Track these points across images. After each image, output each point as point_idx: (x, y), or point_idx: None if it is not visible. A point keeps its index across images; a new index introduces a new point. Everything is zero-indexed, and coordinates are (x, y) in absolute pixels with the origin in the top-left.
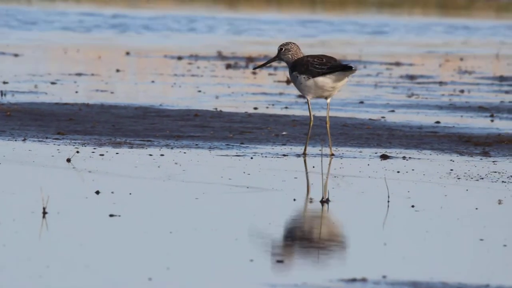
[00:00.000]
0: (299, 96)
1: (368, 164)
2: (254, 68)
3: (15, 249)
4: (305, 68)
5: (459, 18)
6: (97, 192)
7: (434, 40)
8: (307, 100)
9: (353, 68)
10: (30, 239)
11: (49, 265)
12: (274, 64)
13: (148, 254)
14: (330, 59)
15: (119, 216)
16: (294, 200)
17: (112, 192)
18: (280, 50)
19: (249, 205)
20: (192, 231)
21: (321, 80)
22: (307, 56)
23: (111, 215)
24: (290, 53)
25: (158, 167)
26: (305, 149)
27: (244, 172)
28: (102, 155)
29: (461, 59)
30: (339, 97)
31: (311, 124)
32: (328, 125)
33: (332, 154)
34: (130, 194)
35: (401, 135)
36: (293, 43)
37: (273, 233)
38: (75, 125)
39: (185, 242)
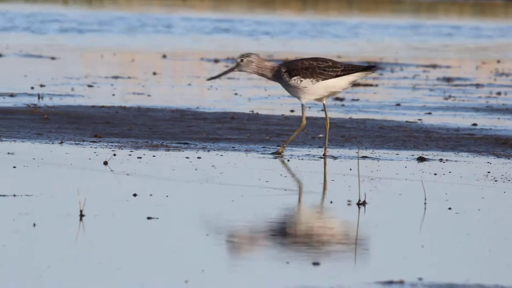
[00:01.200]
0: (336, 99)
1: (405, 167)
2: (208, 79)
3: (51, 252)
4: (310, 72)
5: (495, 21)
6: (135, 195)
7: (470, 42)
8: (302, 104)
9: (374, 68)
10: (67, 241)
11: (84, 267)
12: None
13: (185, 256)
14: (333, 61)
15: (157, 218)
16: (331, 202)
17: (151, 195)
18: (240, 61)
19: (286, 208)
20: (226, 234)
21: (333, 82)
22: (303, 60)
23: (148, 218)
24: (253, 64)
25: (195, 169)
26: (283, 148)
27: (281, 175)
28: (140, 158)
29: (498, 62)
30: (376, 99)
31: (303, 126)
32: (327, 127)
33: (325, 155)
34: (167, 196)
35: (438, 137)
36: (254, 55)
37: (309, 235)
38: (112, 128)
39: (221, 245)
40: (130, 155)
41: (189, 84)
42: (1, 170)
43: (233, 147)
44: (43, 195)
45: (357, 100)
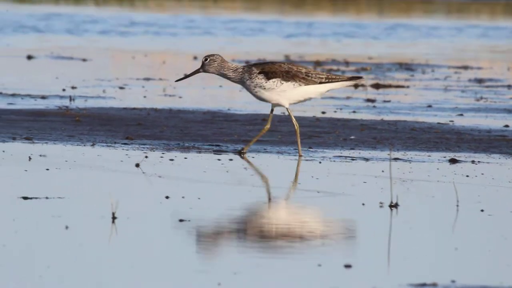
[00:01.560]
0: (367, 100)
1: (437, 168)
2: (177, 81)
3: (84, 254)
4: (292, 75)
5: None
6: (167, 197)
7: (501, 43)
8: (287, 108)
9: (357, 78)
10: (99, 244)
11: (117, 270)
12: (342, 68)
13: (217, 258)
14: (306, 67)
15: (189, 220)
16: (363, 204)
17: (183, 197)
18: (204, 61)
19: (318, 210)
20: (259, 236)
21: (314, 88)
22: (277, 63)
23: (180, 220)
24: (215, 63)
25: (227, 172)
26: (299, 151)
27: (312, 177)
28: (172, 160)
29: None
30: (407, 101)
31: (298, 129)
32: (298, 131)
33: (300, 155)
34: (199, 198)
35: (469, 139)
36: (218, 55)
37: (342, 238)
38: (143, 130)
39: (253, 247)
40: (161, 157)
41: (220, 86)
42: (34, 172)
43: (265, 149)
44: (75, 198)
45: (389, 101)
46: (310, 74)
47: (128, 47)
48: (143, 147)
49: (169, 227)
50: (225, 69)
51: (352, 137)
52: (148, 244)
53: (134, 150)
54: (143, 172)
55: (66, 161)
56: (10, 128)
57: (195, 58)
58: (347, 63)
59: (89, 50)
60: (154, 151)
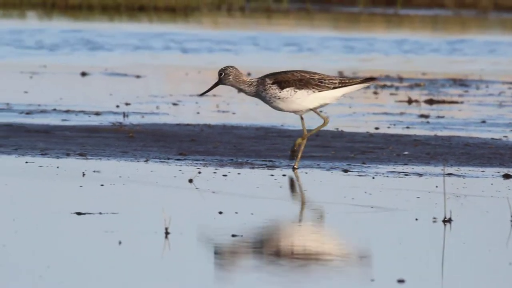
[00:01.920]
0: (421, 116)
1: (491, 184)
2: (201, 94)
3: (137, 270)
4: (305, 83)
5: None
6: (220, 213)
7: None
8: (301, 116)
9: (370, 80)
10: (152, 259)
11: (169, 285)
12: (396, 84)
13: (269, 273)
14: (319, 73)
15: (241, 236)
16: (416, 219)
17: (236, 213)
18: (220, 75)
19: (372, 225)
20: (313, 252)
21: (329, 93)
22: (290, 72)
23: (233, 235)
24: (230, 77)
25: (280, 187)
26: (296, 163)
27: (365, 192)
28: (225, 175)
29: None
30: (461, 116)
31: (306, 139)
32: (305, 140)
33: (295, 168)
34: (252, 214)
35: None
36: (232, 67)
37: (395, 253)
38: (197, 146)
39: (304, 263)
40: (215, 172)
41: None
42: (88, 188)
43: (318, 165)
44: (128, 213)
45: (442, 117)
46: (323, 81)
47: (182, 64)
48: (197, 163)
49: (221, 242)
50: (241, 83)
51: (406, 152)
52: (200, 259)
53: (188, 166)
54: (196, 188)
55: (120, 177)
56: (64, 144)
57: (249, 74)
58: (400, 79)
59: (143, 66)
60: (207, 167)
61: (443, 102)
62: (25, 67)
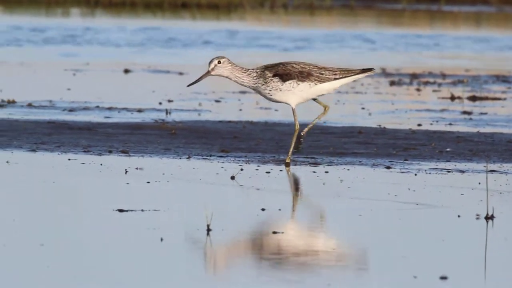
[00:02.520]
0: (464, 113)
1: None
2: (188, 85)
3: (178, 266)
4: (306, 75)
5: None
6: (263, 209)
7: None
8: (293, 108)
9: (369, 70)
10: (193, 256)
11: (211, 281)
12: (439, 80)
13: (308, 271)
14: (317, 65)
15: (282, 233)
16: (459, 216)
17: (280, 209)
18: (218, 62)
19: (415, 222)
20: (356, 248)
21: (329, 85)
22: (290, 64)
23: (274, 232)
24: (228, 66)
25: (323, 184)
26: (289, 156)
27: (409, 189)
28: (268, 172)
29: None
30: (504, 113)
31: (297, 131)
32: (296, 132)
33: (288, 162)
34: (294, 211)
35: None
36: (226, 57)
37: (436, 249)
38: (239, 143)
39: (347, 259)
40: (257, 169)
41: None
42: (130, 185)
43: (360, 162)
44: (170, 210)
45: (485, 114)
46: (323, 72)
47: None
48: (239, 160)
49: (262, 239)
50: (237, 73)
51: (448, 149)
52: (241, 255)
53: (230, 163)
54: (239, 185)
55: (163, 174)
56: (107, 141)
57: None
58: (443, 76)
59: (186, 63)
60: (249, 163)
61: (486, 98)
62: (68, 64)
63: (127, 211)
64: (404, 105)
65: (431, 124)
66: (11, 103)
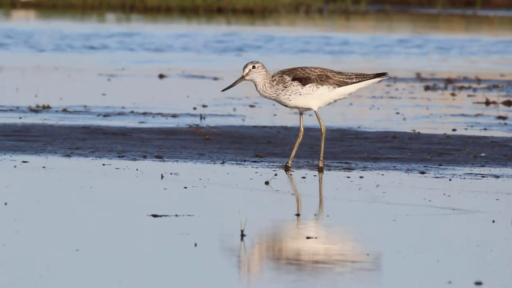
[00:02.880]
0: (499, 117)
1: None
2: (223, 90)
3: (212, 271)
4: (325, 79)
5: None
6: (298, 215)
7: None
8: (316, 111)
9: (384, 74)
10: (227, 261)
11: (245, 287)
12: (474, 85)
13: (339, 275)
14: (330, 70)
15: (316, 238)
16: (493, 221)
17: (315, 215)
18: (253, 68)
19: (451, 227)
20: (391, 253)
21: (346, 89)
22: (307, 68)
23: (307, 237)
24: (262, 72)
25: (359, 189)
26: (290, 160)
27: (444, 194)
28: (303, 177)
29: None
30: None
31: (324, 133)
32: (323, 135)
33: (323, 166)
34: (328, 216)
35: None
36: (260, 62)
37: (471, 254)
38: (273, 148)
39: (383, 264)
40: (291, 175)
41: (351, 104)
42: (164, 190)
43: (394, 167)
44: (204, 215)
45: None
46: (340, 76)
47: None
48: (273, 165)
49: (296, 244)
50: (267, 81)
51: (483, 154)
52: (275, 261)
53: (264, 168)
54: (273, 190)
55: (198, 179)
56: (141, 147)
57: None
58: (478, 81)
59: (221, 69)
60: (283, 169)
61: None
62: (103, 69)
63: (161, 216)
64: (438, 110)
65: (466, 129)
66: (46, 108)
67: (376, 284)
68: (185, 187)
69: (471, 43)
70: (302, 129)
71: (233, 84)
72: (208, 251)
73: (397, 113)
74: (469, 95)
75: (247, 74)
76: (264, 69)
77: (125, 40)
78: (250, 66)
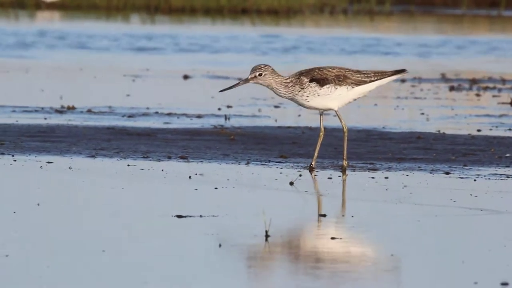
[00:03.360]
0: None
1: None
2: (221, 91)
3: (236, 272)
4: (343, 79)
5: None
6: (324, 215)
7: None
8: (336, 111)
9: (403, 71)
10: (251, 263)
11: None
12: (499, 86)
13: (359, 277)
14: (349, 69)
15: (340, 238)
16: None
17: (341, 215)
18: (259, 75)
19: (478, 227)
20: (420, 253)
21: (365, 87)
22: (325, 69)
23: (332, 238)
24: (268, 75)
25: (386, 189)
26: (314, 160)
27: (471, 195)
28: (329, 178)
29: None
30: None
31: (346, 132)
32: (346, 134)
33: (347, 167)
34: (353, 217)
35: None
36: (268, 65)
37: (497, 255)
38: (297, 148)
39: (409, 265)
40: (316, 175)
41: (375, 104)
42: (188, 191)
43: (419, 167)
44: (229, 216)
45: None
46: (359, 75)
47: (282, 66)
48: (297, 166)
49: (320, 245)
50: (278, 83)
51: (508, 155)
52: (299, 262)
53: (288, 168)
54: (297, 190)
55: (223, 179)
56: (166, 147)
57: None
58: (503, 81)
59: (245, 69)
60: (308, 169)
61: None
62: (128, 70)
63: (185, 216)
64: (463, 110)
65: (491, 129)
66: (71, 109)
67: (400, 285)
68: (210, 188)
69: (496, 43)
70: (322, 129)
71: (233, 86)
72: (232, 252)
73: (422, 113)
74: (494, 96)
75: (251, 78)
76: (272, 74)
77: (148, 41)
78: (257, 73)
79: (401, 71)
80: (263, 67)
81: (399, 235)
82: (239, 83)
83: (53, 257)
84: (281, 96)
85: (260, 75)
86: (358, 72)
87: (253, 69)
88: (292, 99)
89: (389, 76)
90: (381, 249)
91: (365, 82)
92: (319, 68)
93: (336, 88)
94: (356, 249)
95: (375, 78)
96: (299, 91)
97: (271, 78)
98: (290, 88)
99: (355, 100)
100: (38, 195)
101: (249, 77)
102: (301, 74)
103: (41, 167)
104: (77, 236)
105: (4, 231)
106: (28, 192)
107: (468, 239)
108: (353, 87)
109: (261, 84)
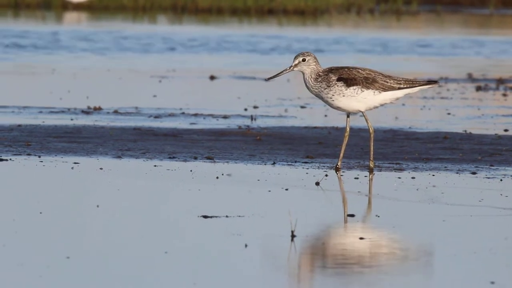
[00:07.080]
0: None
1: None
2: (267, 79)
3: (262, 272)
4: (371, 82)
5: None
6: (353, 215)
7: None
8: (363, 112)
9: (434, 82)
10: (277, 263)
11: None
12: None
13: (393, 278)
14: (380, 73)
15: (369, 239)
16: None
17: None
18: (303, 60)
19: (507, 228)
20: (448, 254)
21: (392, 94)
22: (354, 69)
23: (361, 238)
24: (315, 62)
25: (417, 190)
26: (339, 161)
27: (501, 194)
28: (356, 178)
29: None
30: None
31: (373, 133)
32: (372, 135)
33: (374, 167)
34: (378, 216)
35: None
36: (312, 54)
37: None
38: (324, 149)
39: (438, 264)
40: (342, 175)
41: (403, 104)
42: (214, 191)
43: (445, 167)
44: (255, 216)
45: None
46: (388, 80)
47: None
48: (323, 166)
49: (347, 245)
50: (315, 73)
51: None
52: (325, 262)
53: (314, 168)
54: (324, 191)
55: (248, 180)
56: (192, 148)
57: None
58: None
59: (272, 69)
60: (334, 170)
61: None
62: (155, 71)
63: (211, 217)
64: (490, 110)
65: None
66: (97, 110)
67: (423, 284)
68: (236, 188)
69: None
70: (348, 129)
71: (279, 73)
72: (258, 252)
73: (448, 113)
74: None
75: (295, 65)
76: (315, 62)
77: (175, 41)
78: (300, 59)
79: (433, 82)
80: (307, 53)
81: (430, 235)
82: (286, 70)
83: (87, 254)
84: (308, 89)
85: (303, 60)
86: (388, 77)
87: (297, 56)
88: (317, 96)
89: (419, 85)
90: (409, 249)
91: (393, 89)
92: (349, 68)
93: (363, 91)
94: (385, 249)
95: (405, 86)
96: (325, 88)
97: (313, 64)
98: (318, 82)
99: (381, 105)
100: (64, 196)
101: (294, 63)
102: (330, 70)
103: (72, 168)
104: (104, 237)
105: (44, 232)
106: (54, 193)
107: (494, 240)
108: (380, 92)
109: (303, 71)
